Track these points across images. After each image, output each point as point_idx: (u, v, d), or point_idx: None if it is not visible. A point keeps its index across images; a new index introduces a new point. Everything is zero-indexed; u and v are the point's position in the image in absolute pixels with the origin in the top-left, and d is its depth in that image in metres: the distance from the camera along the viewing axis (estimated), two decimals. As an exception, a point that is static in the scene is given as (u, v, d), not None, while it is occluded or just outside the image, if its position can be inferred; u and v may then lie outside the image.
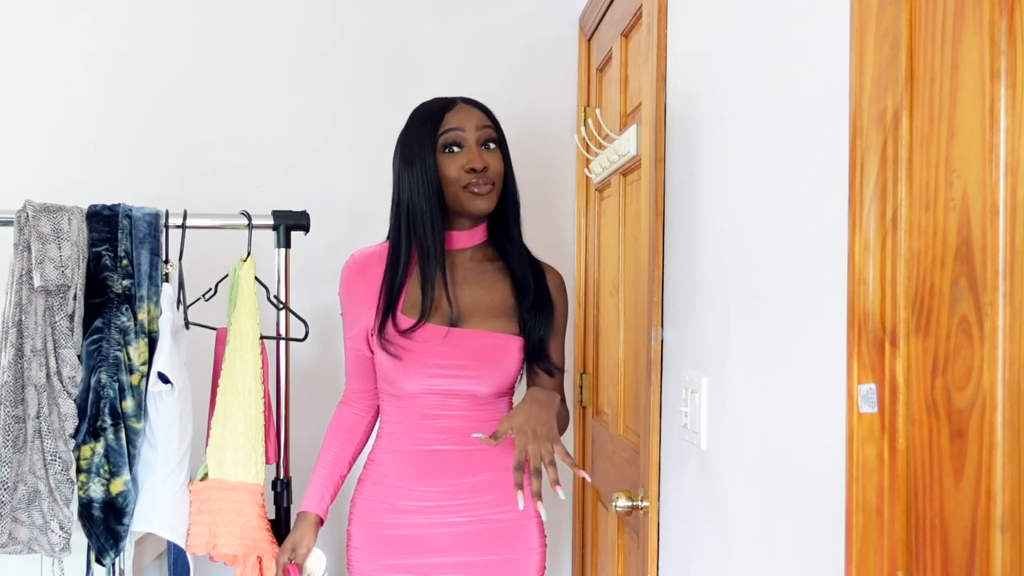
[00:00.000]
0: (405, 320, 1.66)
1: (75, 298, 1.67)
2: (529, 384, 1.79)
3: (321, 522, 1.73)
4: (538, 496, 1.48)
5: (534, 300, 1.71)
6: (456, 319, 1.68)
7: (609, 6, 2.18)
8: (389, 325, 1.66)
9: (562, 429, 1.78)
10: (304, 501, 1.74)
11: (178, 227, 1.79)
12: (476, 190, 1.63)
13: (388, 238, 1.74)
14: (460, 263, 1.73)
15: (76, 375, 1.66)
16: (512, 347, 1.69)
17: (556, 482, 1.45)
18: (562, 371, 1.78)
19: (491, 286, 1.71)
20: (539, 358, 1.72)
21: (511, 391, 1.74)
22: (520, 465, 1.46)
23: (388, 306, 1.67)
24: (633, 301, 1.91)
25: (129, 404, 1.68)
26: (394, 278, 1.68)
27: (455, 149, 1.65)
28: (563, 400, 1.79)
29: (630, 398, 1.98)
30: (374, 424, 1.80)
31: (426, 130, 1.66)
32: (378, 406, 1.79)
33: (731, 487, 1.29)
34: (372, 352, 1.72)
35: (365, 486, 1.72)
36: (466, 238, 1.72)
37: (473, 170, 1.62)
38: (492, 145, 1.67)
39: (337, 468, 1.76)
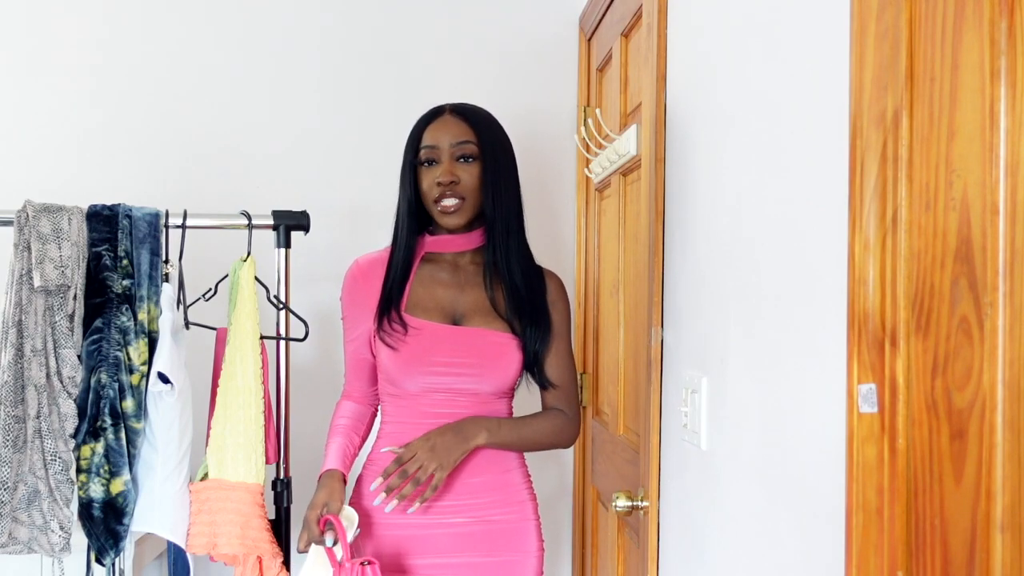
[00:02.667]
0: (406, 316, 1.68)
1: (75, 298, 1.67)
2: (541, 391, 1.78)
3: (345, 481, 1.69)
4: (402, 498, 1.61)
5: (531, 312, 1.71)
6: (459, 318, 1.70)
7: (609, 6, 2.18)
8: (386, 321, 1.67)
9: (567, 442, 1.78)
10: (325, 463, 1.70)
11: (178, 227, 1.79)
12: (443, 206, 1.67)
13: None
14: (462, 265, 1.75)
15: (76, 375, 1.66)
16: (512, 347, 1.69)
17: (415, 500, 1.60)
18: (558, 385, 1.75)
19: (493, 291, 1.72)
20: (532, 370, 1.73)
21: (511, 393, 1.74)
22: (400, 462, 1.61)
23: (387, 301, 1.69)
24: (633, 301, 1.91)
25: (129, 404, 1.68)
26: (392, 276, 1.71)
27: (431, 164, 1.69)
28: (575, 413, 1.79)
29: (630, 398, 1.98)
30: (374, 418, 1.80)
31: (409, 144, 1.73)
32: (377, 405, 1.79)
33: (731, 487, 1.29)
34: (374, 356, 1.72)
35: (364, 485, 1.72)
36: (463, 242, 1.73)
37: (440, 183, 1.66)
38: (469, 160, 1.68)
39: (350, 439, 1.74)
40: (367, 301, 1.72)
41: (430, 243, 1.74)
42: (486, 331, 1.69)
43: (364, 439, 1.78)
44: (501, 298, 1.72)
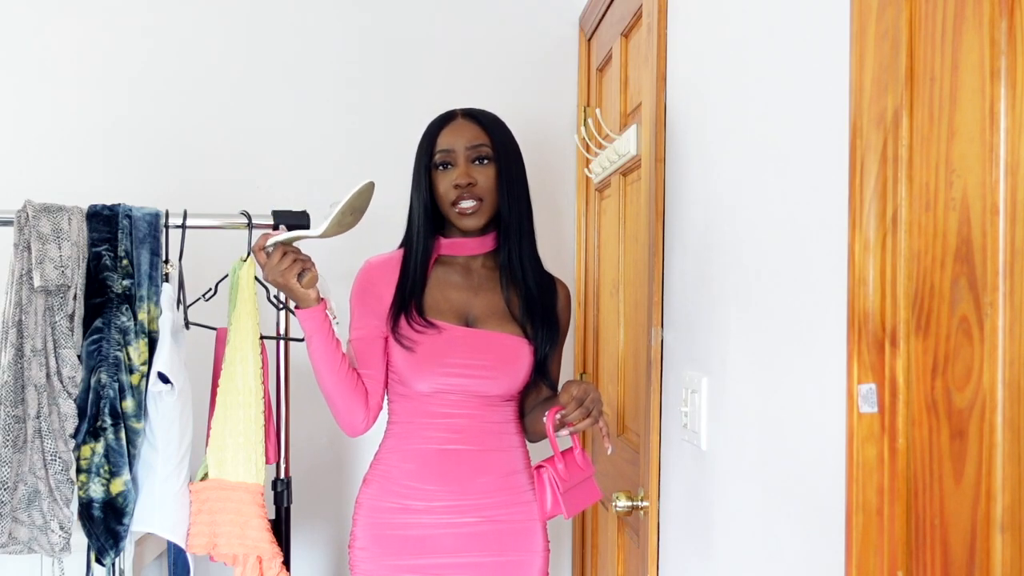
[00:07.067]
0: (420, 318, 1.68)
1: (75, 298, 1.67)
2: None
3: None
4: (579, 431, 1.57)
5: (543, 317, 1.72)
6: (472, 321, 1.70)
7: (609, 6, 2.18)
8: (403, 319, 1.67)
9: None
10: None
11: (178, 227, 1.79)
12: (462, 208, 1.67)
13: (401, 244, 1.77)
14: (475, 269, 1.75)
15: (76, 375, 1.66)
16: (525, 350, 1.70)
17: (607, 436, 1.57)
18: (553, 385, 1.79)
19: (504, 292, 1.73)
20: (542, 373, 1.74)
21: (519, 396, 1.75)
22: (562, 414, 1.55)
23: (404, 302, 1.69)
24: (633, 301, 1.91)
25: (129, 404, 1.68)
26: (409, 277, 1.71)
27: (446, 167, 1.70)
28: None
29: (630, 398, 1.98)
30: (367, 395, 1.70)
31: (423, 148, 1.73)
32: (375, 393, 1.74)
33: (731, 487, 1.29)
34: (384, 356, 1.71)
35: (371, 487, 1.72)
36: (476, 245, 1.73)
37: (458, 186, 1.66)
38: (485, 161, 1.69)
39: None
40: (379, 302, 1.71)
41: (443, 246, 1.74)
42: (501, 334, 1.70)
43: (358, 385, 1.69)
44: (516, 302, 1.72)
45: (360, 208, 1.59)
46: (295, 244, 1.59)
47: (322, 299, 1.63)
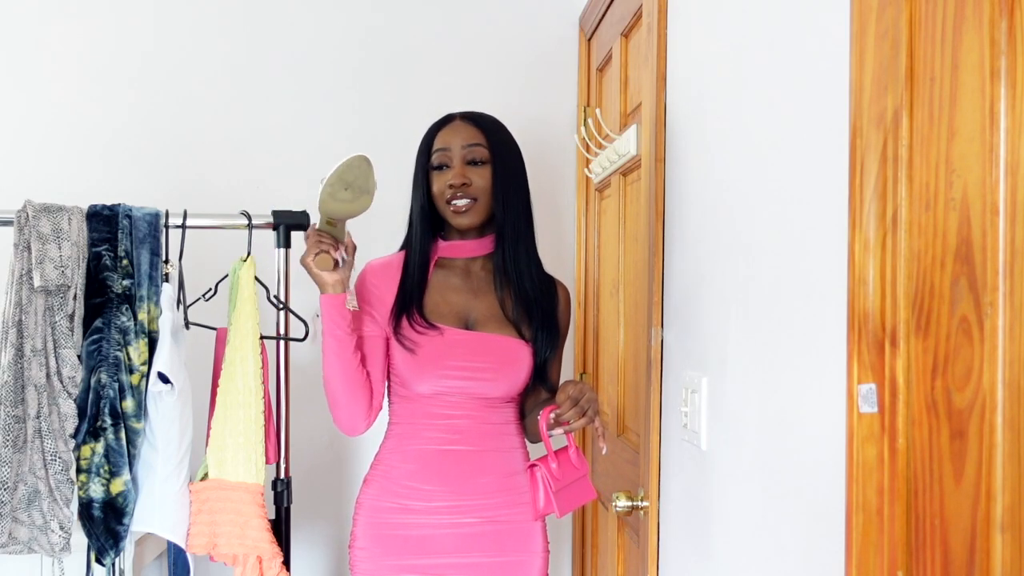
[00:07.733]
0: (421, 320, 1.68)
1: (75, 298, 1.67)
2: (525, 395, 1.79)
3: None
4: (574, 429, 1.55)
5: (542, 320, 1.73)
6: (472, 323, 1.71)
7: (609, 6, 2.18)
8: (405, 321, 1.68)
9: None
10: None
11: (178, 227, 1.79)
12: (456, 206, 1.68)
13: (402, 247, 1.78)
14: (474, 271, 1.76)
15: (76, 375, 1.66)
16: (525, 352, 1.71)
17: (602, 436, 1.57)
18: (553, 388, 1.79)
19: (503, 294, 1.73)
20: (541, 377, 1.74)
21: (519, 397, 1.75)
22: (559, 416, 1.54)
23: (405, 304, 1.69)
24: (633, 301, 1.91)
25: (129, 404, 1.68)
26: (409, 279, 1.71)
27: (443, 168, 1.71)
28: None
29: (630, 398, 1.98)
30: (372, 394, 1.70)
31: (422, 149, 1.75)
32: (379, 393, 1.74)
33: (731, 487, 1.29)
34: (386, 357, 1.71)
35: (372, 486, 1.72)
36: (474, 247, 1.74)
37: (453, 185, 1.68)
38: (480, 163, 1.70)
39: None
40: (380, 304, 1.72)
41: (443, 248, 1.75)
42: (500, 336, 1.70)
43: (365, 384, 1.68)
44: (509, 302, 1.72)
45: (356, 185, 1.59)
46: (329, 227, 1.63)
47: (345, 290, 1.64)
